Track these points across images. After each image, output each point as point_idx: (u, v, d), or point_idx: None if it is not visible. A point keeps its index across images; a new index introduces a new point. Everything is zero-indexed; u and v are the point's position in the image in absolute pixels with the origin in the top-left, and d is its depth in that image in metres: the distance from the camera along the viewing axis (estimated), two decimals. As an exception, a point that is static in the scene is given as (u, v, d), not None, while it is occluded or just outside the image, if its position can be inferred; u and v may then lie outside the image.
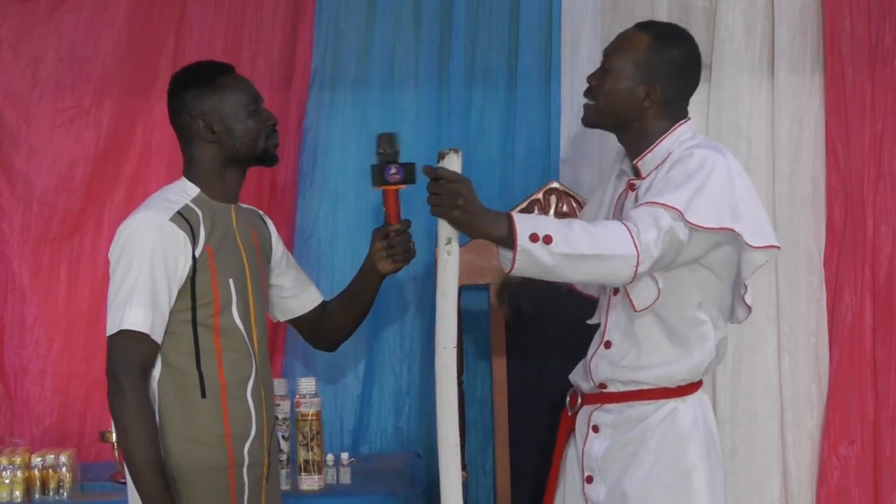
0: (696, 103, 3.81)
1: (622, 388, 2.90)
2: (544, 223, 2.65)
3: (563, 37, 3.69)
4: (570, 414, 3.01)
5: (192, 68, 2.94)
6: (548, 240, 2.61)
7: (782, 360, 3.74)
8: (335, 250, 3.78)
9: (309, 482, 3.29)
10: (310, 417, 3.28)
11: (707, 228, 2.74)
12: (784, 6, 3.75)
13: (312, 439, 3.28)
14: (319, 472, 3.30)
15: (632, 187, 2.92)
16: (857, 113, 3.74)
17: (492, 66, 3.79)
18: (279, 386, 3.31)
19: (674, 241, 2.72)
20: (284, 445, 3.32)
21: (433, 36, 3.79)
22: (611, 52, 2.93)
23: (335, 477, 3.39)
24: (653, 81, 2.88)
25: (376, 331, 3.77)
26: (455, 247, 2.65)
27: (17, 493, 3.28)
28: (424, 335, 3.77)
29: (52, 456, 3.32)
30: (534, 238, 2.60)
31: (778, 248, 2.83)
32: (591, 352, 2.97)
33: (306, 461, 3.28)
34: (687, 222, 2.72)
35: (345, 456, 3.43)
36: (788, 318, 3.74)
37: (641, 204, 2.75)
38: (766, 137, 3.78)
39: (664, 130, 2.90)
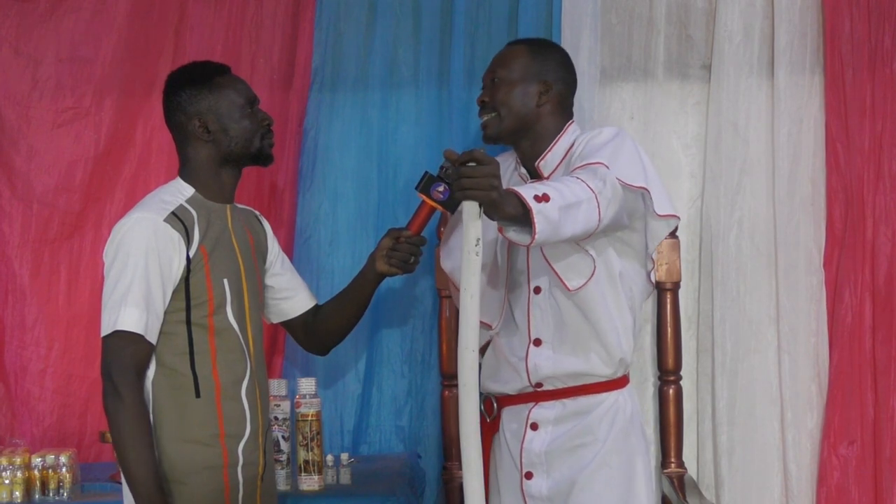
0: (695, 104, 3.84)
1: (560, 385, 3.04)
2: (535, 186, 2.74)
3: (562, 37, 3.68)
4: (488, 420, 3.14)
5: (189, 68, 2.95)
6: (546, 198, 2.69)
7: (782, 361, 3.74)
8: (335, 251, 3.77)
9: (309, 482, 3.29)
10: (310, 418, 3.28)
11: (626, 184, 2.88)
12: (784, 7, 3.74)
13: (312, 440, 3.27)
14: (319, 472, 3.29)
15: None
16: (856, 114, 3.73)
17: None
18: (279, 386, 3.31)
19: (615, 187, 2.86)
20: (284, 446, 3.32)
21: (433, 36, 3.79)
22: (496, 67, 3.12)
23: (335, 477, 3.39)
24: (546, 79, 3.08)
25: (376, 331, 3.77)
26: (481, 248, 2.66)
27: (17, 493, 3.28)
28: (425, 335, 3.77)
29: (52, 456, 3.32)
30: (537, 199, 2.68)
31: (678, 217, 3.03)
32: (516, 355, 3.07)
33: (306, 461, 3.28)
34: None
35: (345, 456, 3.43)
36: (788, 318, 3.74)
37: (573, 170, 2.89)
38: (765, 138, 3.78)
39: (559, 129, 3.09)
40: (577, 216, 2.74)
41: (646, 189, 2.93)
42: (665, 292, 3.59)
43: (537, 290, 3.05)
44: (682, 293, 3.67)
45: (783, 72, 3.75)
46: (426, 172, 3.01)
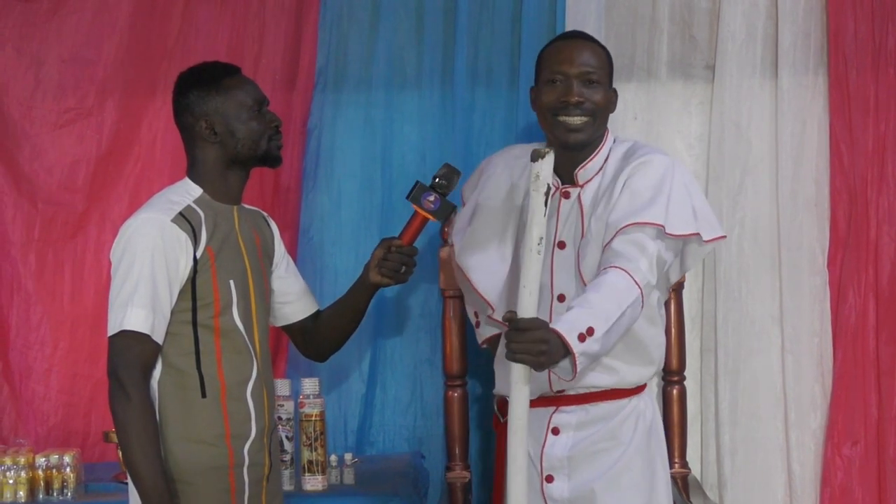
0: (698, 104, 3.84)
1: (582, 391, 2.98)
2: (580, 318, 2.67)
3: (566, 38, 3.69)
4: (502, 421, 3.08)
5: (198, 69, 2.94)
6: (591, 332, 2.66)
7: (786, 361, 3.74)
8: (338, 251, 3.77)
9: (313, 483, 3.29)
10: (313, 418, 3.29)
11: (682, 236, 2.87)
12: (787, 7, 3.74)
13: (316, 440, 3.28)
14: (323, 472, 3.30)
15: (566, 195, 3.00)
16: (860, 114, 3.73)
17: (495, 67, 3.79)
18: (283, 386, 3.31)
19: (660, 262, 2.85)
20: (288, 446, 3.32)
21: (436, 37, 3.79)
22: (591, 66, 2.95)
23: (339, 477, 3.40)
24: (612, 87, 3.01)
25: (380, 331, 3.77)
26: (542, 247, 2.61)
27: (21, 493, 3.29)
28: (428, 336, 3.77)
29: (56, 456, 3.33)
30: (581, 338, 2.65)
31: (724, 237, 2.98)
32: None
33: (310, 462, 3.29)
34: (668, 235, 2.85)
35: (348, 456, 3.43)
36: (792, 318, 3.74)
37: (621, 231, 2.83)
38: (768, 138, 3.78)
39: (602, 138, 3.00)
40: (621, 326, 2.73)
41: (697, 234, 2.89)
42: (669, 293, 3.59)
43: (561, 297, 2.97)
44: (685, 293, 3.67)
45: (787, 72, 3.75)
46: (417, 182, 3.02)
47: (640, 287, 2.77)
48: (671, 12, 3.82)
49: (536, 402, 3.02)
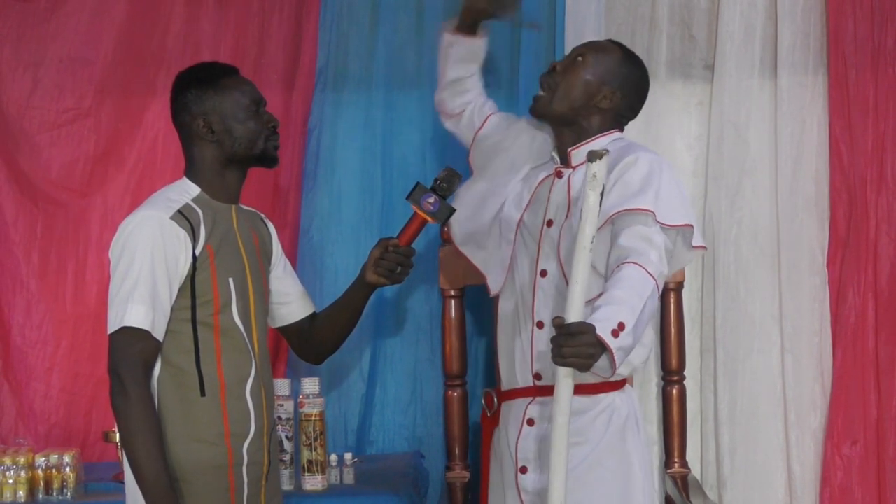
0: (698, 104, 3.85)
1: None
2: (611, 315, 2.68)
3: (566, 37, 3.69)
4: (488, 416, 3.13)
5: (196, 68, 2.94)
6: (622, 326, 2.67)
7: (786, 361, 3.74)
8: (339, 251, 3.78)
9: (312, 482, 3.29)
10: (313, 418, 3.29)
11: (673, 226, 2.88)
12: (787, 7, 3.75)
13: (316, 439, 3.28)
14: (323, 472, 3.30)
15: (559, 174, 3.04)
16: (860, 114, 3.74)
17: (495, 67, 3.79)
18: (283, 386, 3.31)
19: (667, 251, 2.87)
20: (288, 445, 3.32)
21: (437, 37, 3.77)
22: (588, 50, 3.06)
23: (339, 477, 3.40)
24: (616, 88, 3.02)
25: (380, 331, 3.77)
26: (594, 245, 2.65)
27: (21, 493, 3.29)
28: (428, 335, 3.77)
29: (56, 456, 3.33)
30: (615, 334, 2.66)
31: (705, 248, 3.00)
32: (522, 337, 3.03)
33: (310, 461, 3.29)
34: (659, 223, 2.87)
35: (348, 456, 3.43)
36: (792, 318, 3.74)
37: (618, 216, 2.87)
38: (768, 138, 3.78)
39: (601, 131, 3.03)
40: (645, 317, 2.75)
41: (690, 226, 2.93)
42: (668, 292, 3.59)
43: (543, 273, 3.00)
44: (685, 293, 3.67)
45: (786, 72, 3.76)
46: (417, 183, 3.02)
47: (654, 279, 2.79)
48: (671, 12, 3.83)
49: (515, 393, 3.05)
